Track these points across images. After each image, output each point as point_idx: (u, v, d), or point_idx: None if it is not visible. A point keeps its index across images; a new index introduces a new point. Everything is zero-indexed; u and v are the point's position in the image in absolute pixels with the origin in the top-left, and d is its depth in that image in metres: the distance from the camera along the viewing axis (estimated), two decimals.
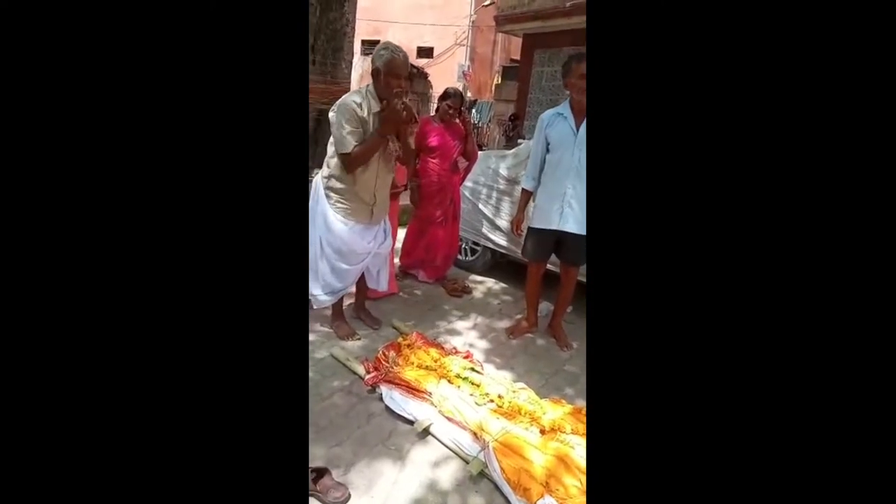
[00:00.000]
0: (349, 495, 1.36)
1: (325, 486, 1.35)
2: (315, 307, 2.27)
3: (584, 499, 1.32)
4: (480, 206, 3.10)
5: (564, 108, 2.17)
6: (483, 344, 2.39)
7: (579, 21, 7.26)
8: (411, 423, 1.68)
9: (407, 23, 13.63)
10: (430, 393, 1.75)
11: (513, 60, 12.62)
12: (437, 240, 2.96)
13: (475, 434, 1.57)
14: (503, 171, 2.97)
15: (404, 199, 2.96)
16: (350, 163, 1.96)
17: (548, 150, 2.22)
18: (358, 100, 1.95)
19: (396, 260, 3.07)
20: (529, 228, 2.35)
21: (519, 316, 2.65)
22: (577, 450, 1.49)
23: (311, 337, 2.25)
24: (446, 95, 2.82)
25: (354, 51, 4.85)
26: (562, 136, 2.15)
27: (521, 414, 1.67)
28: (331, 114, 1.97)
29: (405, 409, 1.71)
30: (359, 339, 2.27)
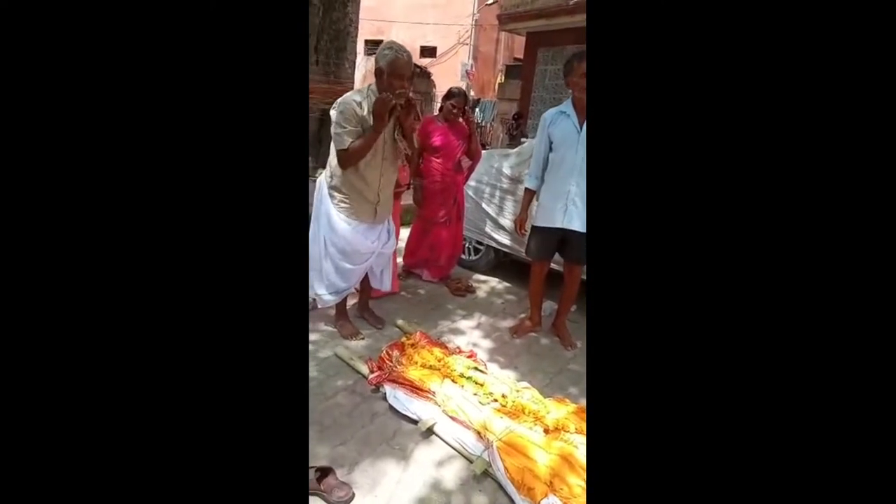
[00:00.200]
0: (353, 494, 1.36)
1: (328, 486, 1.35)
2: (319, 306, 2.28)
3: None
4: (484, 205, 3.09)
5: (567, 106, 2.16)
6: (487, 343, 2.39)
7: (583, 19, 7.23)
8: (415, 422, 1.68)
9: (410, 22, 13.64)
10: (434, 392, 1.75)
11: (516, 59, 12.60)
12: (441, 240, 2.96)
13: (479, 433, 1.57)
14: (506, 170, 2.96)
15: (406, 199, 2.96)
16: (344, 159, 1.97)
17: (551, 149, 2.22)
18: (358, 98, 1.95)
19: (399, 259, 3.07)
20: (533, 227, 2.34)
21: (522, 315, 2.65)
22: (581, 449, 1.49)
23: (315, 336, 2.25)
24: (450, 95, 2.81)
25: (358, 51, 4.85)
26: (565, 133, 2.14)
27: (524, 413, 1.67)
28: (332, 111, 1.98)
29: (409, 408, 1.71)
30: (362, 338, 2.27)
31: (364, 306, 2.47)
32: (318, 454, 1.51)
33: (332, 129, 1.96)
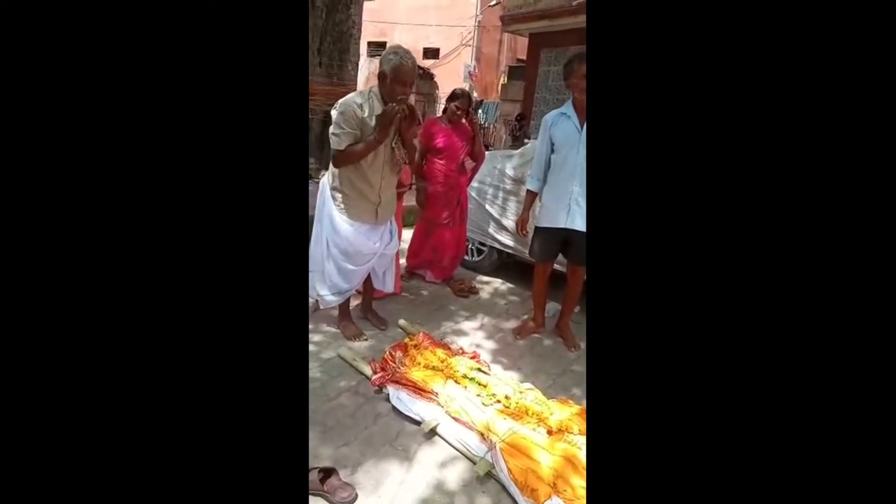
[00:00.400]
0: (356, 495, 1.36)
1: (332, 486, 1.35)
2: (322, 307, 2.28)
3: None
4: (487, 206, 3.09)
5: (567, 107, 2.18)
6: (490, 344, 2.39)
7: (585, 20, 7.22)
8: (418, 423, 1.68)
9: (413, 24, 13.66)
10: (437, 393, 1.75)
11: (519, 60, 12.59)
12: (444, 241, 2.96)
13: (482, 435, 1.57)
14: (509, 171, 2.96)
15: (409, 200, 2.96)
16: (339, 159, 1.99)
17: (553, 151, 2.23)
18: (359, 101, 1.95)
19: (402, 261, 3.07)
20: (536, 228, 2.34)
21: (526, 316, 2.65)
22: (585, 450, 1.48)
23: (318, 337, 2.26)
24: (454, 96, 2.81)
25: (361, 52, 4.86)
26: (566, 135, 2.15)
27: (528, 414, 1.67)
28: (332, 111, 1.99)
29: (412, 409, 1.71)
30: (366, 339, 2.27)
31: (367, 307, 2.47)
32: (322, 455, 1.51)
33: (331, 129, 1.97)
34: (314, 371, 1.98)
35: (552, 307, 2.65)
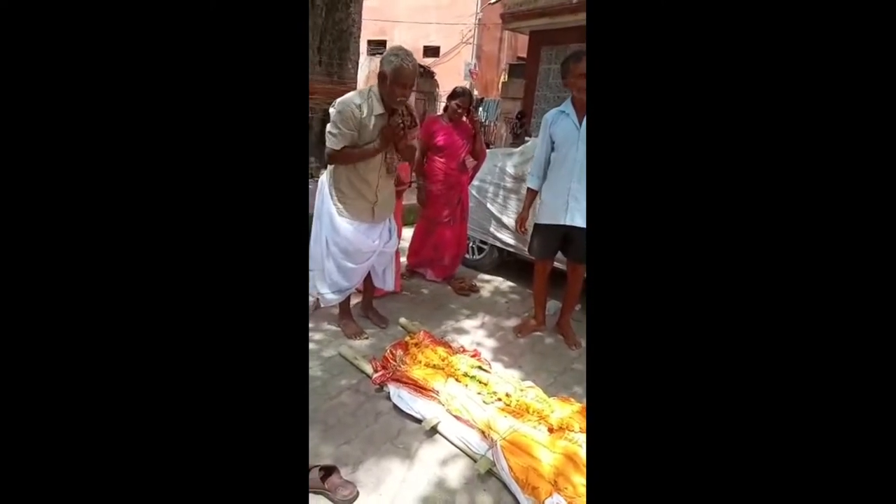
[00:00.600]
0: (357, 493, 1.37)
1: (333, 484, 1.36)
2: (322, 306, 2.29)
3: None
4: (487, 204, 3.09)
5: (567, 105, 2.20)
6: (491, 342, 2.39)
7: (585, 17, 7.20)
8: (419, 421, 1.68)
9: (413, 22, 13.64)
10: (438, 391, 1.75)
11: (519, 58, 12.57)
12: (445, 239, 2.96)
13: (483, 433, 1.57)
14: (510, 169, 2.96)
15: (409, 199, 2.95)
16: (332, 158, 2.02)
17: (553, 149, 2.24)
18: (358, 101, 1.95)
19: (403, 259, 3.07)
20: (536, 225, 2.35)
21: (527, 314, 2.65)
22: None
23: (319, 335, 2.26)
24: (455, 95, 2.81)
25: (360, 51, 4.86)
26: (566, 132, 2.16)
27: (529, 412, 1.67)
28: (331, 109, 1.99)
29: (413, 407, 1.72)
30: (366, 337, 2.28)
31: (367, 305, 2.47)
32: (323, 453, 1.52)
33: (328, 128, 1.97)
34: (315, 369, 1.98)
35: (553, 305, 2.65)
